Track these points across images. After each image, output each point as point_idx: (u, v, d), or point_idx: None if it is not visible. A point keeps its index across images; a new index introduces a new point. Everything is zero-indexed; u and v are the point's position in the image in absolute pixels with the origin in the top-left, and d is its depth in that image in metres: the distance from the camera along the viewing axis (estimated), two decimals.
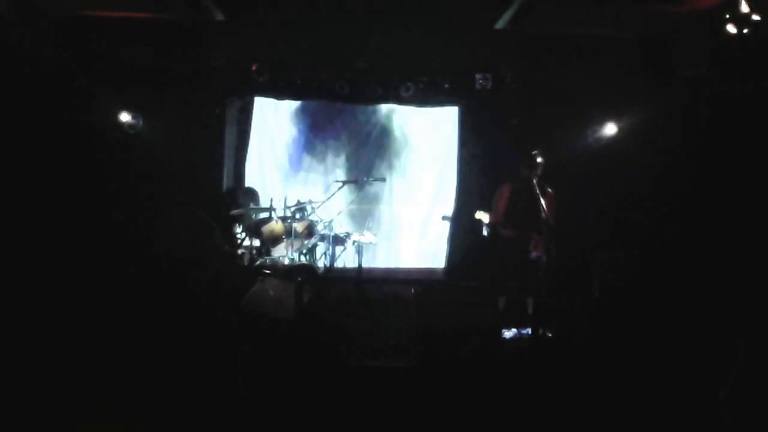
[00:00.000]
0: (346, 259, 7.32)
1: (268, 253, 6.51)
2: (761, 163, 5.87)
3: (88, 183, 6.52)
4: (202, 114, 7.14)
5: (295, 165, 7.87)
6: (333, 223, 6.87)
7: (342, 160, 7.89)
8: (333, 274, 6.85)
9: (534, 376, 4.41)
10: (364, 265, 6.94)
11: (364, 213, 7.64)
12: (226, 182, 7.40)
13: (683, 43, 6.50)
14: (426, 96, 7.47)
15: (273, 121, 7.82)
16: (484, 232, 6.09)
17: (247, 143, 7.67)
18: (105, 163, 6.64)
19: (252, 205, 6.97)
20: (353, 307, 5.78)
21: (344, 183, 7.24)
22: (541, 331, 5.22)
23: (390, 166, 7.91)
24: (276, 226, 6.56)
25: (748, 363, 3.57)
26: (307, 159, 7.87)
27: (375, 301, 6.09)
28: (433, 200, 7.93)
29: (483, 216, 5.94)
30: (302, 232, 6.72)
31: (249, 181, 7.58)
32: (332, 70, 7.16)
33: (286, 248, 6.43)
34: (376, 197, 7.85)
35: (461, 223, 7.16)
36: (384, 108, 7.88)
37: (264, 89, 7.42)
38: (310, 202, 6.96)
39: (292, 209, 6.78)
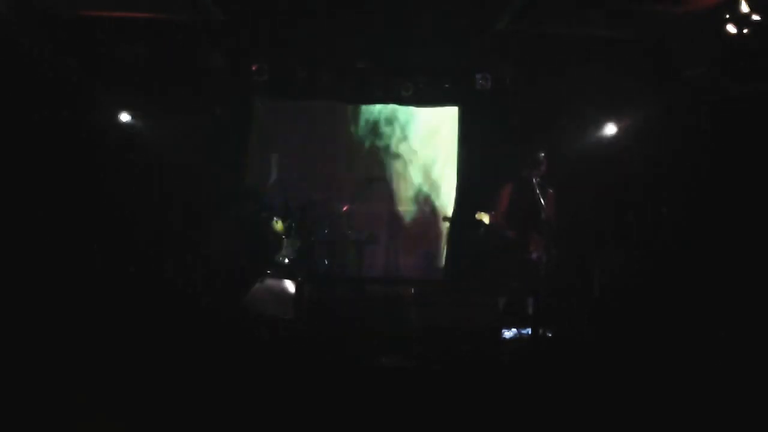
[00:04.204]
0: (346, 260, 7.31)
1: None
2: (761, 164, 5.87)
3: (88, 182, 6.52)
4: (202, 114, 7.15)
5: (295, 165, 7.86)
6: (333, 223, 6.87)
7: (342, 160, 7.87)
8: (333, 274, 6.84)
9: (534, 376, 4.41)
10: (364, 264, 6.94)
11: (364, 213, 7.63)
12: (226, 182, 7.39)
13: (683, 43, 6.49)
14: (426, 96, 7.47)
15: (272, 121, 7.81)
16: (480, 232, 6.09)
17: (247, 143, 7.67)
18: (104, 162, 6.64)
19: (252, 206, 6.96)
20: (353, 307, 5.78)
21: (344, 183, 7.24)
22: (541, 331, 5.22)
23: (390, 166, 7.91)
24: (276, 225, 6.56)
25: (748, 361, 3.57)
26: (306, 159, 7.86)
27: (375, 301, 6.09)
28: (434, 200, 7.93)
29: (484, 217, 5.95)
30: (302, 232, 6.71)
31: (249, 182, 7.58)
32: (332, 70, 7.16)
33: (286, 248, 6.43)
34: (377, 197, 7.84)
35: (461, 223, 7.16)
36: (384, 108, 7.88)
37: (264, 89, 7.43)
38: (311, 202, 6.95)
39: (293, 209, 6.78)
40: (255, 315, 5.01)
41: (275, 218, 6.62)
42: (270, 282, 5.46)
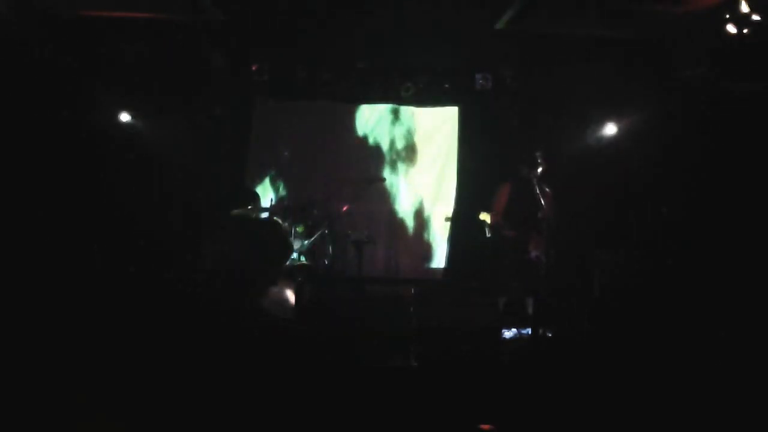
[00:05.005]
0: (346, 259, 7.31)
1: None
2: (761, 164, 5.87)
3: (88, 182, 6.52)
4: (202, 114, 7.16)
5: (295, 165, 7.86)
6: (333, 223, 6.87)
7: (342, 160, 7.88)
8: (333, 274, 6.84)
9: (534, 376, 4.41)
10: (364, 265, 6.93)
11: (364, 213, 7.63)
12: (226, 183, 7.40)
13: (683, 43, 6.49)
14: (426, 96, 7.48)
15: (272, 121, 7.82)
16: (488, 234, 6.07)
17: (247, 143, 7.67)
18: (105, 163, 6.65)
19: (252, 206, 6.96)
20: (353, 307, 5.78)
21: (344, 183, 7.25)
22: (541, 331, 5.22)
23: (390, 166, 7.91)
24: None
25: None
26: (306, 159, 7.86)
27: (375, 300, 6.08)
28: (433, 200, 7.93)
29: (486, 217, 5.95)
30: (302, 232, 6.71)
31: (249, 182, 7.58)
32: (332, 70, 7.16)
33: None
34: (376, 197, 7.85)
35: (461, 223, 7.17)
36: (384, 108, 7.88)
37: (264, 89, 7.43)
38: (310, 202, 6.95)
39: (292, 209, 6.78)
40: (255, 315, 5.01)
41: (276, 219, 6.62)
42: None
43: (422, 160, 7.96)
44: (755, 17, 5.31)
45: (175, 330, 4.48)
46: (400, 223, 7.94)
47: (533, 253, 5.77)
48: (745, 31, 5.40)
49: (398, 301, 6.11)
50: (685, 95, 6.38)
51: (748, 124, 5.97)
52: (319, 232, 6.75)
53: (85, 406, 3.58)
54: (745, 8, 5.30)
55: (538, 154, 5.76)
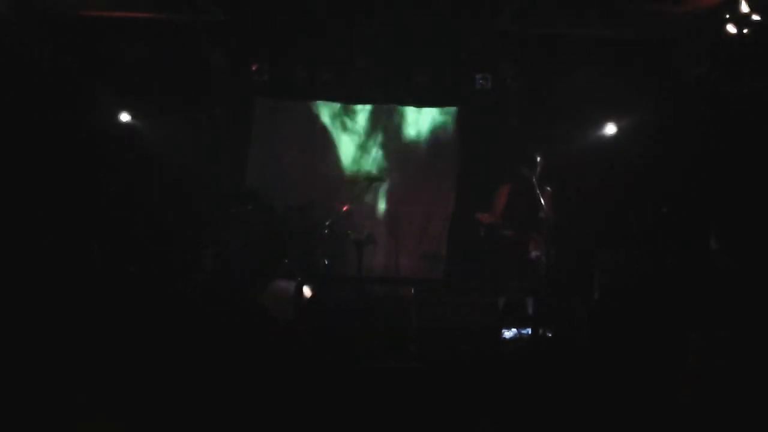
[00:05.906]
0: (346, 260, 7.31)
1: None
2: (761, 163, 5.87)
3: (88, 182, 6.53)
4: (202, 114, 7.17)
5: (295, 165, 7.86)
6: (333, 223, 6.87)
7: (342, 160, 7.88)
8: (333, 274, 6.84)
9: (534, 376, 4.41)
10: (364, 264, 6.93)
11: (364, 213, 7.63)
12: (226, 183, 7.40)
13: (683, 43, 6.50)
14: (426, 96, 7.48)
15: (272, 121, 7.81)
16: (481, 233, 6.08)
17: (248, 143, 7.67)
18: (104, 162, 6.66)
19: (252, 206, 6.96)
20: (353, 307, 5.78)
21: (344, 183, 7.25)
22: (541, 331, 5.23)
23: (390, 166, 7.90)
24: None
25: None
26: (306, 159, 7.86)
27: (375, 301, 6.08)
28: (433, 200, 7.92)
29: (484, 216, 5.95)
30: (302, 232, 6.71)
31: (249, 181, 7.58)
32: (332, 70, 7.17)
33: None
34: (376, 197, 7.85)
35: (461, 223, 7.17)
36: (384, 108, 7.88)
37: (264, 89, 7.44)
38: (311, 201, 6.95)
39: (293, 209, 6.78)
40: (255, 315, 5.01)
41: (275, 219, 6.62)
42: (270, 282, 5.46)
43: (422, 160, 7.95)
44: (755, 17, 5.32)
45: (176, 330, 4.49)
46: (400, 223, 7.93)
47: (533, 253, 5.77)
48: (745, 31, 5.40)
49: (398, 301, 6.12)
50: (685, 95, 6.39)
51: (748, 124, 5.98)
52: (318, 232, 6.74)
53: (85, 406, 3.58)
54: (745, 8, 5.31)
55: (539, 154, 5.76)
